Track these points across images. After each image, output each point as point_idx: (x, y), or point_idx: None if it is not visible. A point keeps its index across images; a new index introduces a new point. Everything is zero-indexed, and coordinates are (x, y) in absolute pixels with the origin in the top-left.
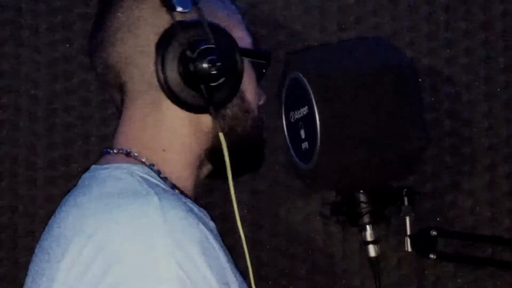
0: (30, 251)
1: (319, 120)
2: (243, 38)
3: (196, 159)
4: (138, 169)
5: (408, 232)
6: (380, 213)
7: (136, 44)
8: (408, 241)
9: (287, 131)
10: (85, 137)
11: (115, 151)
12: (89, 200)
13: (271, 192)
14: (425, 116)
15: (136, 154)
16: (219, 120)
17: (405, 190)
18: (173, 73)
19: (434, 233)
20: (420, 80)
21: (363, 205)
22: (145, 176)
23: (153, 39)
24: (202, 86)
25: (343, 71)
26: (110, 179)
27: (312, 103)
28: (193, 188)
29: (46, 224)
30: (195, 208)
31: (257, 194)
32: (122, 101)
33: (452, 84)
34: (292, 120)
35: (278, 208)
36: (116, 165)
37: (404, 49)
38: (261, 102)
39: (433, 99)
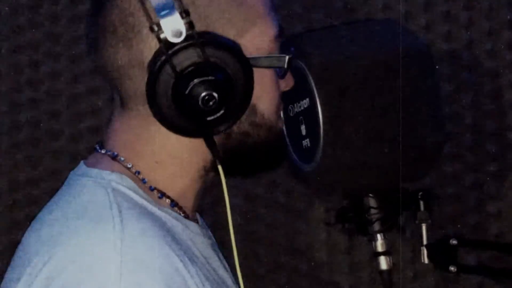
0: None
1: (322, 113)
2: (265, 31)
3: (197, 171)
4: (117, 179)
5: (425, 242)
6: (393, 220)
7: (130, 55)
8: (424, 251)
9: (286, 126)
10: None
11: (102, 151)
12: (51, 222)
13: (268, 197)
14: (443, 109)
15: (122, 159)
16: (217, 150)
17: (420, 193)
18: (164, 98)
19: (454, 242)
20: (437, 67)
21: (373, 211)
22: (121, 189)
23: (147, 55)
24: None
25: (348, 57)
26: (81, 192)
27: (314, 94)
28: (194, 198)
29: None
30: (180, 227)
31: (253, 199)
32: (121, 101)
33: (474, 72)
34: (291, 114)
35: (276, 215)
36: (96, 171)
37: (419, 32)
38: (280, 113)
39: (452, 89)
